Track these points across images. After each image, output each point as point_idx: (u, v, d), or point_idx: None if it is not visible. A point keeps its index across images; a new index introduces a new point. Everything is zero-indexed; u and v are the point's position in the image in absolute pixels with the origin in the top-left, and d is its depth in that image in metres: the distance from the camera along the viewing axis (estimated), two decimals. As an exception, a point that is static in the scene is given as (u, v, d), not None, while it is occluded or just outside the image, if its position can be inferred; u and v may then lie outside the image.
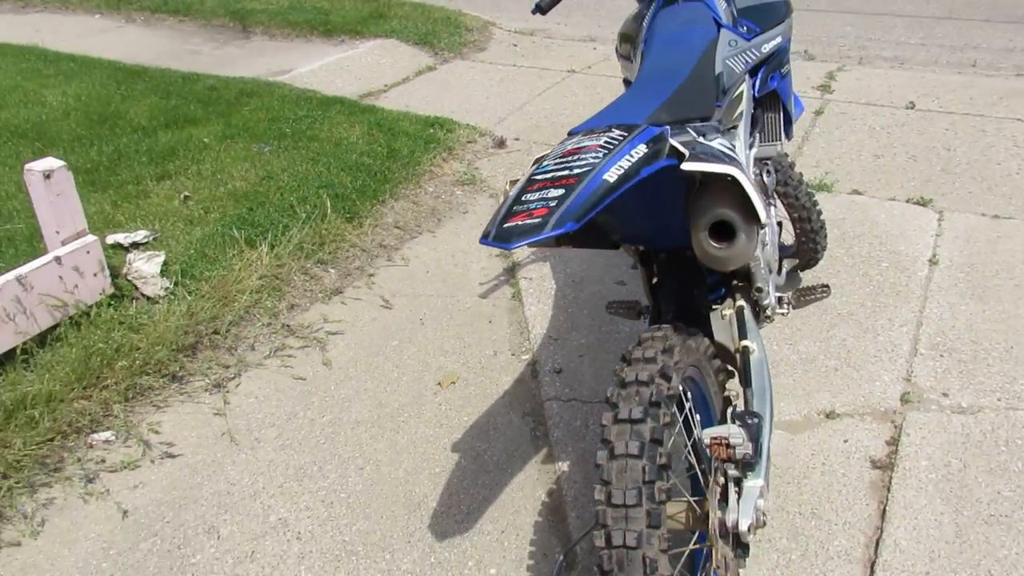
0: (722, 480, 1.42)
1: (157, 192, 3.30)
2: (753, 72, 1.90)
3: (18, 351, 2.29)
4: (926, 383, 2.24)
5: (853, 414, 2.16)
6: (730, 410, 1.48)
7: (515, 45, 5.77)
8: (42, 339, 2.36)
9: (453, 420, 2.26)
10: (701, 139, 1.28)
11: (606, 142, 1.16)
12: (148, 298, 2.65)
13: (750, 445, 1.43)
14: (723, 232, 1.27)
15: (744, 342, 1.65)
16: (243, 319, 2.67)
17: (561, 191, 1.01)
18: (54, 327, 2.37)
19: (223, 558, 1.87)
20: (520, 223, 0.95)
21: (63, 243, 2.36)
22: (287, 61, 5.28)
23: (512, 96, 4.63)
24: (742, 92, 1.78)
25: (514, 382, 2.39)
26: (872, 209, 3.15)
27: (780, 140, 2.03)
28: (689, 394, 1.56)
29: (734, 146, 1.68)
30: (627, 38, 2.04)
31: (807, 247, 2.53)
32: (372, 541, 1.90)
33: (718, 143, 1.32)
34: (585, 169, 1.05)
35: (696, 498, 1.37)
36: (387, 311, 2.76)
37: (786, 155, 2.38)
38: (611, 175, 1.04)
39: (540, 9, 1.93)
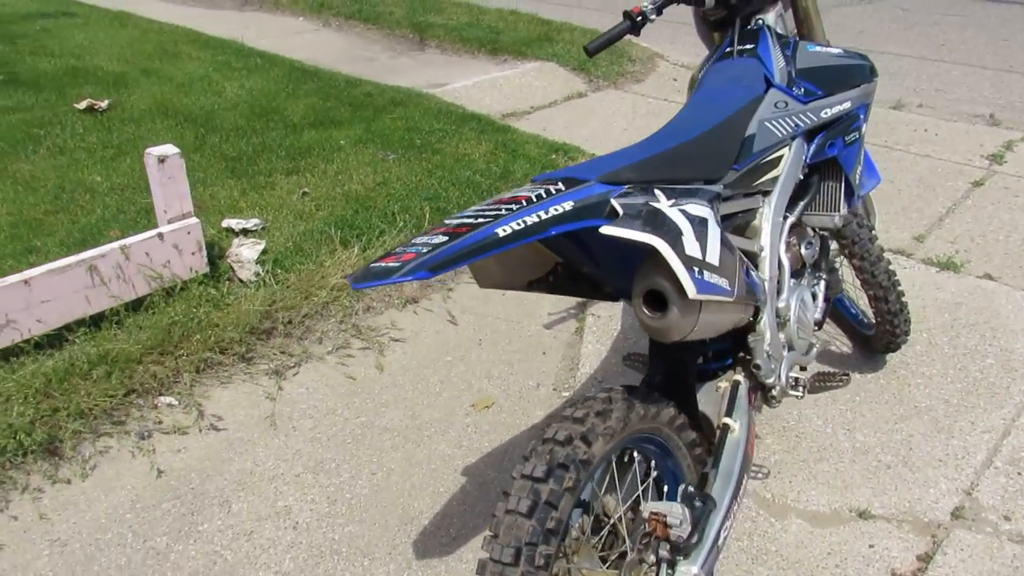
0: (652, 558, 1.35)
1: (282, 185, 3.58)
2: (810, 136, 1.78)
3: (109, 312, 2.58)
4: (989, 501, 1.99)
5: (890, 518, 1.96)
6: (682, 487, 1.41)
7: (675, 79, 5.69)
8: (136, 305, 2.64)
9: (475, 444, 2.29)
10: (662, 202, 1.23)
11: (536, 195, 1.14)
12: (241, 281, 2.89)
13: (689, 528, 1.35)
14: (657, 302, 1.22)
15: (726, 419, 1.55)
16: (319, 313, 2.83)
17: (445, 239, 1.01)
18: (148, 296, 2.64)
19: (224, 532, 2.01)
20: (382, 265, 0.97)
21: (168, 222, 2.63)
22: (447, 75, 5.53)
23: (650, 130, 4.57)
24: (782, 156, 1.68)
25: (545, 416, 2.38)
26: (998, 298, 2.82)
27: (838, 211, 1.89)
28: (653, 463, 1.50)
29: (752, 211, 1.60)
30: (691, 85, 1.98)
31: (883, 328, 2.32)
32: (357, 545, 1.97)
33: (690, 208, 1.26)
34: (486, 220, 1.05)
35: (614, 572, 1.32)
36: (451, 326, 2.83)
37: (869, 226, 2.20)
38: (505, 230, 1.03)
39: (588, 51, 1.92)
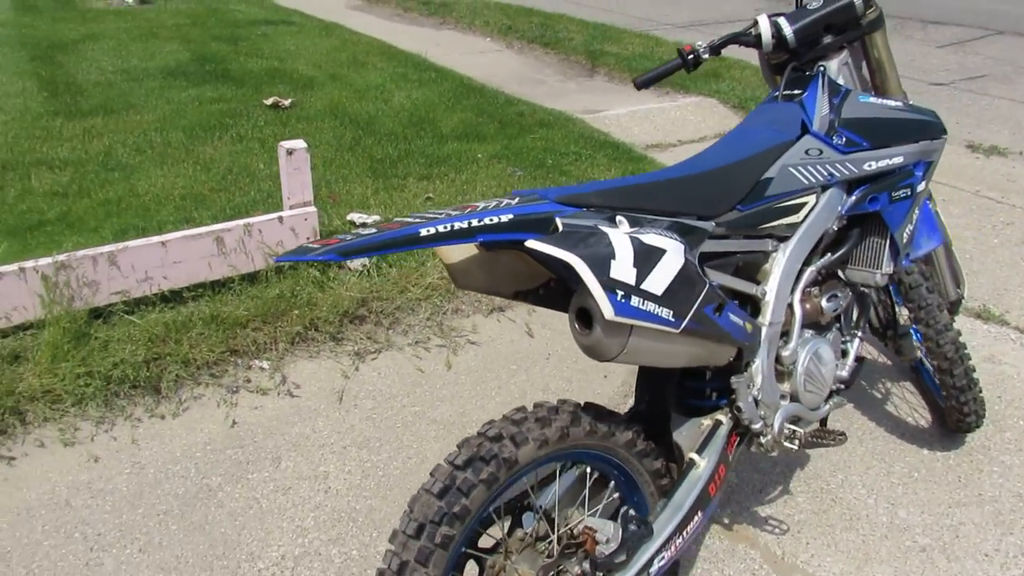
0: (576, 569, 1.40)
1: (412, 188, 3.86)
2: (851, 188, 1.74)
3: (227, 280, 2.94)
4: (1025, 607, 1.81)
5: (904, 602, 1.84)
6: (624, 509, 1.43)
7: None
8: (251, 277, 2.98)
9: (510, 449, 2.39)
10: (620, 228, 1.28)
11: (484, 206, 1.24)
12: (349, 269, 3.18)
13: (615, 548, 1.39)
14: (586, 319, 1.27)
15: (693, 455, 1.56)
16: (410, 308, 3.05)
17: (374, 231, 1.14)
18: (262, 271, 2.98)
19: (267, 483, 2.25)
20: (311, 245, 1.11)
21: (290, 208, 2.96)
22: (606, 102, 5.65)
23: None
24: (805, 203, 1.65)
25: (584, 436, 2.43)
26: (1126, 396, 2.51)
27: (879, 269, 1.81)
28: (612, 484, 1.54)
29: (762, 254, 1.59)
30: None
31: (951, 404, 2.16)
32: (373, 517, 2.13)
33: (648, 237, 1.30)
34: (429, 220, 1.17)
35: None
36: (527, 338, 2.95)
37: (942, 292, 2.07)
38: (429, 230, 1.14)
39: (636, 85, 1.96)
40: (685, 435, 1.64)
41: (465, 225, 1.17)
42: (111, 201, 3.67)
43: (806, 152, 1.66)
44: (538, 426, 1.36)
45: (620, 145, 4.62)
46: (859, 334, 1.88)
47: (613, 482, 1.55)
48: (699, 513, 1.51)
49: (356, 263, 3.17)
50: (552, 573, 1.41)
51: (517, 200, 1.29)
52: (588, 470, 1.52)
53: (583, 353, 1.32)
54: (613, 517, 1.49)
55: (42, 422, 2.44)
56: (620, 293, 1.22)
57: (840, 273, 1.87)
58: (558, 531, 1.44)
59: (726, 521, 2.07)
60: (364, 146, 4.41)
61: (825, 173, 1.67)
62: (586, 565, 1.38)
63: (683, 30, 8.20)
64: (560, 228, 1.24)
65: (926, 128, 1.80)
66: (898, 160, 1.76)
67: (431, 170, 4.09)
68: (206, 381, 2.66)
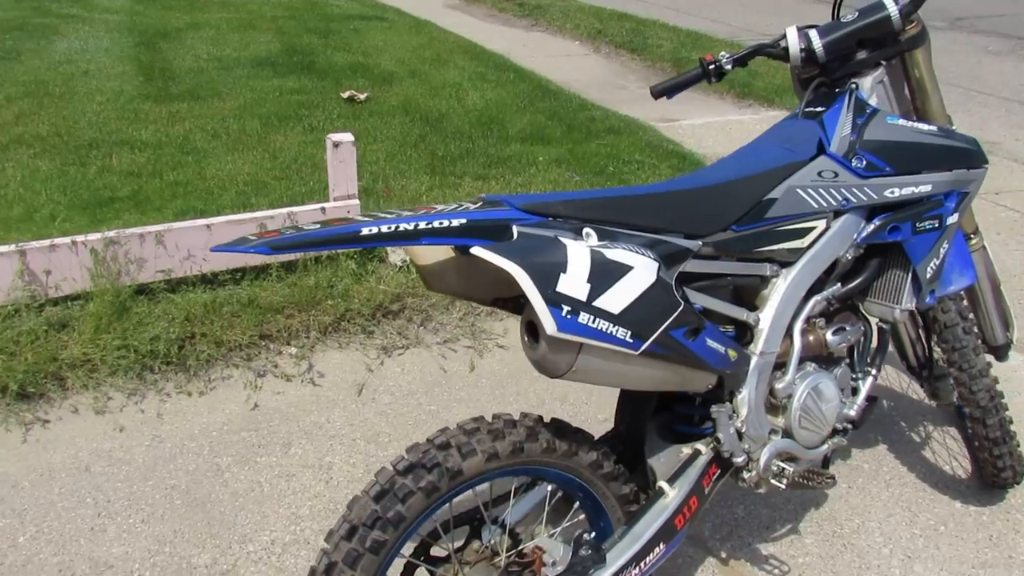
0: (520, 589, 1.36)
1: (466, 188, 3.87)
2: (871, 215, 1.62)
3: (265, 266, 3.01)
4: None
5: (901, 664, 1.71)
6: (578, 532, 1.38)
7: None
8: (289, 265, 3.05)
9: (516, 457, 2.35)
10: (586, 240, 1.23)
11: (441, 208, 1.22)
12: (391, 264, 3.21)
13: (561, 571, 1.34)
14: (535, 333, 1.22)
15: (663, 483, 1.49)
16: (444, 307, 3.06)
17: (317, 227, 1.13)
18: (300, 260, 3.04)
19: (273, 468, 2.29)
20: (249, 237, 1.11)
21: (334, 199, 3.01)
22: (683, 112, 5.52)
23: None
24: (813, 228, 1.55)
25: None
26: None
27: (899, 304, 1.68)
28: (577, 505, 1.49)
29: (760, 278, 1.51)
30: None
31: (984, 456, 2.00)
32: (367, 513, 2.14)
33: (615, 252, 1.24)
34: (370, 219, 1.15)
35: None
36: (555, 346, 2.90)
37: (972, 339, 1.91)
38: (371, 230, 1.12)
39: (653, 93, 1.88)
40: (663, 462, 1.56)
41: (410, 227, 1.15)
42: (179, 183, 3.83)
43: (819, 174, 1.56)
44: (489, 438, 1.32)
45: (688, 155, 4.50)
46: (873, 372, 1.75)
47: (578, 503, 1.49)
48: (661, 545, 1.44)
49: (398, 258, 3.20)
50: (497, 591, 1.37)
51: (480, 205, 1.26)
52: (550, 489, 1.48)
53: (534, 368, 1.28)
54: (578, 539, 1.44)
55: (79, 389, 2.56)
56: (566, 308, 1.18)
57: (860, 306, 1.75)
58: (507, 548, 1.40)
59: (723, 555, 1.98)
60: (428, 143, 4.46)
61: (839, 197, 1.56)
62: (533, 586, 1.34)
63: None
64: (515, 236, 1.20)
65: (961, 156, 1.66)
66: (925, 188, 1.63)
67: (489, 170, 4.09)
68: (236, 363, 2.74)
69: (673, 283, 1.34)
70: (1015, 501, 2.16)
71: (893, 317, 1.70)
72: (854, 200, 1.58)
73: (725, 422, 1.51)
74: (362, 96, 5.13)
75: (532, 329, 1.24)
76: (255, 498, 2.18)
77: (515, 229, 1.21)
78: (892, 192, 1.60)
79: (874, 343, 1.77)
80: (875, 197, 1.59)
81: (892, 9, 1.64)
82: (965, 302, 1.98)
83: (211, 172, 3.97)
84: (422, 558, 1.43)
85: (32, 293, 2.72)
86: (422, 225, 1.15)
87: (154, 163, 4.06)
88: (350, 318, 2.94)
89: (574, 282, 1.19)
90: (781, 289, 1.54)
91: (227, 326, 2.80)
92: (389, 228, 1.13)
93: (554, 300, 1.17)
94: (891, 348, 2.17)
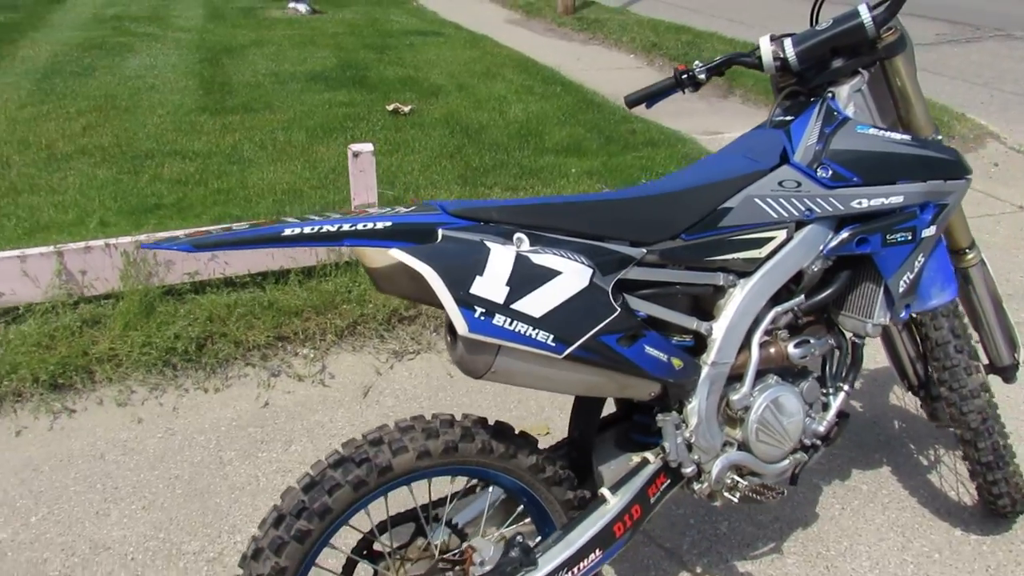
0: (451, 586, 1.39)
1: (495, 198, 3.91)
2: (840, 227, 1.59)
3: (285, 271, 3.12)
4: None
5: None
6: (511, 531, 1.39)
7: (996, 165, 4.96)
8: (309, 271, 3.15)
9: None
10: (517, 246, 1.25)
11: (374, 212, 1.26)
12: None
13: (489, 570, 1.36)
14: (455, 333, 1.25)
15: (605, 490, 1.49)
16: (458, 314, 3.10)
17: (245, 226, 1.19)
18: (321, 265, 3.14)
19: (271, 463, 2.37)
20: (180, 236, 1.17)
21: (355, 208, 3.10)
22: (729, 124, 5.46)
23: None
24: (773, 238, 1.53)
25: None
26: None
27: (871, 319, 1.64)
28: (521, 508, 1.51)
29: (714, 288, 1.50)
30: None
31: (979, 481, 1.92)
32: (354, 510, 2.19)
33: (544, 258, 1.26)
34: (298, 221, 1.20)
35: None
36: (564, 356, 2.91)
37: (964, 358, 1.84)
38: (293, 230, 1.16)
39: (627, 103, 1.88)
40: (612, 469, 1.56)
41: (333, 229, 1.19)
42: (222, 191, 4.01)
43: (780, 183, 1.54)
44: (423, 436, 1.35)
45: (724, 169, 4.44)
46: (845, 388, 1.70)
47: (523, 507, 1.51)
48: (597, 551, 1.44)
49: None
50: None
51: (412, 209, 1.30)
52: (497, 491, 1.50)
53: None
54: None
55: (106, 382, 2.71)
56: (480, 310, 1.20)
57: (835, 319, 1.71)
58: (439, 545, 1.43)
59: (698, 570, 1.95)
60: (464, 154, 4.53)
61: (802, 208, 1.54)
62: (462, 584, 1.36)
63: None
64: (439, 239, 1.23)
65: (938, 166, 1.61)
66: (896, 200, 1.59)
67: (519, 182, 4.13)
68: (253, 362, 2.85)
69: (610, 289, 1.34)
70: (1021, 531, 2.06)
71: (865, 331, 1.66)
72: (818, 210, 1.55)
73: (672, 431, 1.50)
74: (406, 109, 5.26)
75: (453, 330, 1.27)
76: (251, 491, 2.26)
77: (440, 232, 1.24)
78: (860, 203, 1.57)
79: (849, 358, 1.72)
80: (841, 208, 1.56)
81: (865, 16, 1.61)
82: (964, 320, 1.91)
83: (252, 181, 4.13)
84: (364, 552, 1.46)
85: (69, 291, 2.89)
86: (345, 227, 1.20)
87: (201, 172, 4.25)
88: (365, 322, 3.02)
89: (491, 285, 1.22)
90: (737, 299, 1.52)
91: (247, 327, 2.91)
92: (312, 229, 1.18)
93: (466, 301, 1.19)
94: (891, 366, 2.12)
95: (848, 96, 1.68)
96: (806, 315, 1.68)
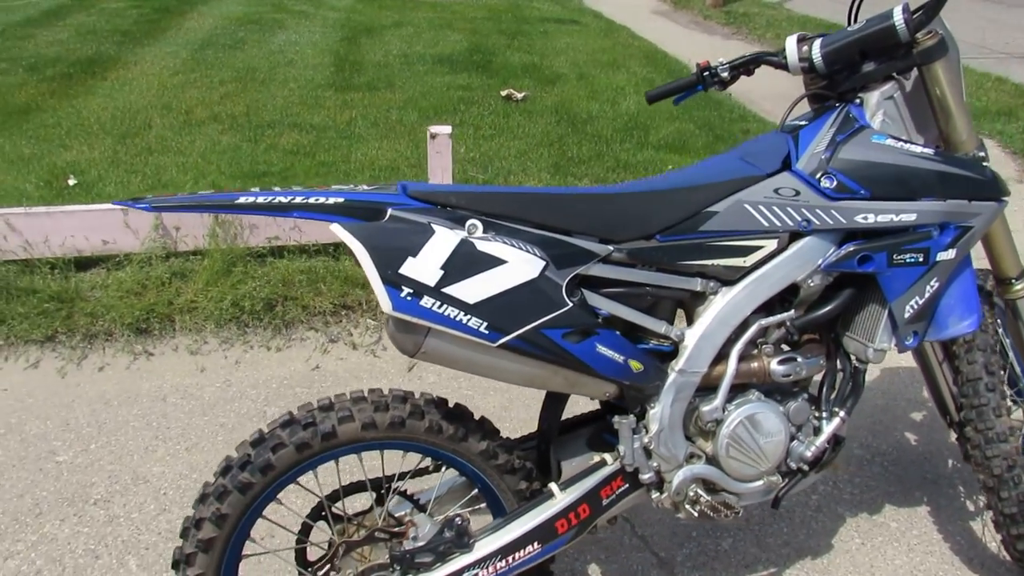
0: (382, 557, 1.43)
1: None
2: (844, 241, 1.49)
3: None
4: None
5: None
6: (452, 512, 1.41)
7: None
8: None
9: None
10: (469, 232, 1.27)
11: (337, 188, 1.30)
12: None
13: (422, 546, 1.40)
14: None
15: (553, 485, 1.48)
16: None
17: (207, 193, 1.26)
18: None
19: (308, 423, 2.50)
20: (144, 196, 1.26)
21: (428, 188, 3.19)
22: (858, 130, 5.13)
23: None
24: (761, 247, 1.46)
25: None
26: None
27: (872, 343, 1.52)
28: (476, 491, 1.54)
29: (692, 293, 1.45)
30: None
31: (1003, 533, 1.73)
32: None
33: (493, 247, 1.26)
34: (258, 192, 1.26)
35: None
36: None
37: (995, 397, 1.67)
38: (248, 199, 1.23)
39: (648, 98, 1.81)
40: (573, 466, 1.55)
41: (285, 200, 1.25)
42: (325, 163, 4.22)
43: (775, 191, 1.46)
44: (371, 408, 1.40)
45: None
46: (841, 413, 1.59)
47: (477, 491, 1.53)
48: (535, 544, 1.43)
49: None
50: (369, 554, 1.45)
51: (375, 187, 1.34)
52: (445, 471, 1.52)
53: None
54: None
55: (183, 331, 2.95)
56: (407, 290, 1.22)
57: (842, 340, 1.61)
58: (384, 515, 1.47)
59: (686, 583, 1.89)
60: (564, 143, 4.52)
61: (798, 218, 1.45)
62: (385, 551, 1.41)
63: (1021, 61, 7.06)
64: (386, 218, 1.27)
65: (963, 185, 1.47)
66: (908, 218, 1.46)
67: (610, 175, 4.09)
68: (316, 327, 3.01)
69: (564, 284, 1.33)
70: (1063, 596, 1.85)
71: (866, 356, 1.55)
72: (817, 222, 1.46)
73: (628, 435, 1.47)
74: (519, 95, 5.30)
75: None
76: (281, 446, 2.40)
77: (389, 212, 1.28)
78: (865, 218, 1.46)
79: (849, 383, 1.61)
80: (843, 221, 1.46)
81: (898, 19, 1.49)
82: (1007, 355, 1.74)
83: (356, 156, 4.32)
84: (323, 514, 1.53)
85: (164, 245, 3.16)
86: (297, 200, 1.26)
87: (313, 145, 4.50)
88: (427, 300, 3.10)
89: (424, 266, 1.24)
90: (716, 308, 1.46)
91: (315, 293, 3.07)
92: (265, 200, 1.25)
93: (393, 281, 1.22)
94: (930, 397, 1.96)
95: (877, 103, 1.56)
96: (803, 332, 1.59)
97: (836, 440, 1.61)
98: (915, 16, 1.50)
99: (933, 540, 2.02)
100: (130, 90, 5.46)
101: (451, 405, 1.48)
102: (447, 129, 3.16)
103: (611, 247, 1.39)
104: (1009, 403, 1.70)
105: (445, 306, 1.25)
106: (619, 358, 1.39)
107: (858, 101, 1.57)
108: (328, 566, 1.45)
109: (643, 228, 1.41)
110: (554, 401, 1.58)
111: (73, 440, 2.40)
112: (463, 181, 3.87)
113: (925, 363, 1.89)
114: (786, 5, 9.77)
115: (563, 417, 1.61)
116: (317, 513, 1.53)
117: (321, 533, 1.53)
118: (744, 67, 1.71)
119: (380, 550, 1.47)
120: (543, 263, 1.31)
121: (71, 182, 3.93)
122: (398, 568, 1.40)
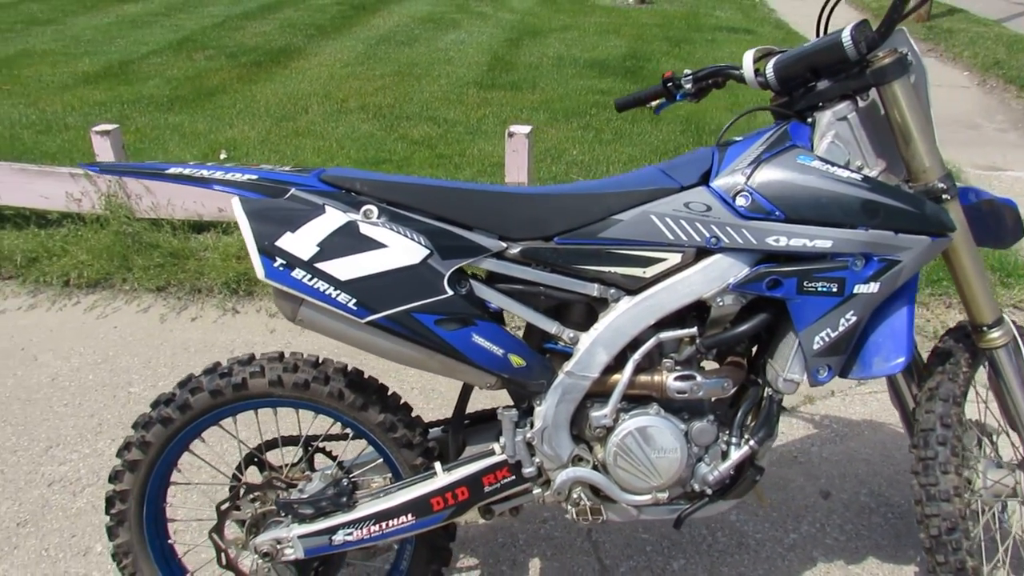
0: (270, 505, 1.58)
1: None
2: (759, 263, 1.43)
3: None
4: None
5: None
6: (338, 469, 1.53)
7: None
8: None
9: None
10: (361, 216, 1.37)
11: (269, 168, 1.45)
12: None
13: (303, 498, 1.53)
14: None
15: (437, 464, 1.56)
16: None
17: (153, 162, 1.46)
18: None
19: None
20: (103, 161, 1.48)
21: (518, 183, 3.31)
22: (1005, 162, 4.61)
23: None
24: (663, 260, 1.44)
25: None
26: None
27: (781, 375, 1.44)
28: (382, 458, 1.65)
29: (567, 292, 1.49)
30: None
31: None
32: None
33: (379, 232, 1.36)
34: (194, 165, 1.44)
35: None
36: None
37: (946, 452, 1.52)
38: (173, 171, 1.40)
39: (617, 106, 1.78)
40: (470, 451, 1.61)
41: (205, 173, 1.43)
42: (441, 156, 4.46)
43: (685, 204, 1.44)
44: (282, 368, 1.55)
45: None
46: (751, 442, 1.52)
47: (382, 460, 1.63)
48: (409, 516, 1.51)
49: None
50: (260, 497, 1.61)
51: (292, 170, 1.48)
52: (351, 434, 1.63)
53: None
54: None
55: (268, 295, 3.28)
56: (280, 261, 1.35)
57: (765, 366, 1.55)
58: (297, 469, 1.62)
59: (617, 594, 1.88)
60: (679, 153, 4.45)
61: (705, 234, 1.42)
62: (272, 496, 1.56)
63: None
64: (286, 197, 1.41)
65: (891, 216, 1.37)
66: (823, 244, 1.38)
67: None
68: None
69: (447, 273, 1.41)
70: None
71: (777, 386, 1.48)
72: (726, 240, 1.42)
73: (510, 427, 1.51)
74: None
75: None
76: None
77: (291, 191, 1.42)
78: (777, 240, 1.40)
79: (763, 413, 1.53)
80: (754, 242, 1.41)
81: (846, 36, 1.42)
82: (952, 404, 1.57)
83: (472, 151, 4.52)
84: (256, 460, 1.70)
85: (267, 217, 3.52)
86: (217, 174, 1.43)
87: (439, 137, 4.75)
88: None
89: (301, 242, 1.36)
90: (612, 315, 1.47)
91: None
92: (189, 171, 1.44)
93: (268, 251, 1.36)
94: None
95: (828, 123, 1.49)
96: (722, 353, 1.55)
97: (755, 468, 1.55)
98: (867, 35, 1.42)
99: (907, 604, 1.85)
100: (302, 79, 6.03)
101: (364, 376, 1.60)
102: (525, 129, 3.26)
103: (504, 244, 1.44)
104: (964, 459, 1.54)
105: (316, 279, 1.37)
106: (498, 351, 1.44)
107: (811, 120, 1.50)
108: (229, 504, 1.62)
109: (542, 229, 1.45)
110: (468, 389, 1.65)
111: (148, 376, 2.78)
112: (547, 182, 3.94)
113: (897, 394, 1.76)
114: (1006, 23, 8.81)
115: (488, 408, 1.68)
116: (250, 460, 1.71)
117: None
118: (709, 79, 1.68)
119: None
120: (427, 251, 1.40)
121: (222, 156, 4.45)
122: (286, 515, 1.55)
